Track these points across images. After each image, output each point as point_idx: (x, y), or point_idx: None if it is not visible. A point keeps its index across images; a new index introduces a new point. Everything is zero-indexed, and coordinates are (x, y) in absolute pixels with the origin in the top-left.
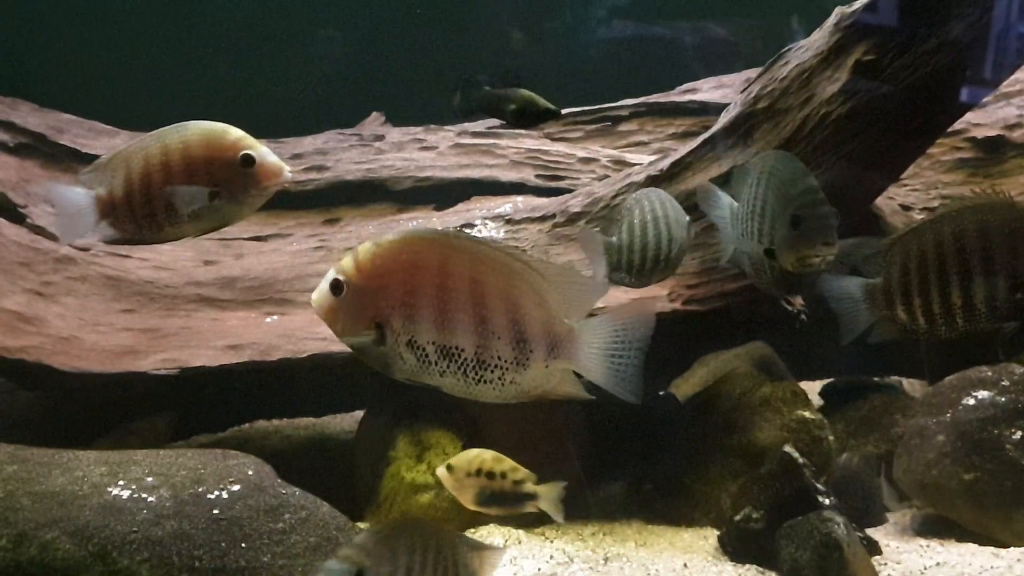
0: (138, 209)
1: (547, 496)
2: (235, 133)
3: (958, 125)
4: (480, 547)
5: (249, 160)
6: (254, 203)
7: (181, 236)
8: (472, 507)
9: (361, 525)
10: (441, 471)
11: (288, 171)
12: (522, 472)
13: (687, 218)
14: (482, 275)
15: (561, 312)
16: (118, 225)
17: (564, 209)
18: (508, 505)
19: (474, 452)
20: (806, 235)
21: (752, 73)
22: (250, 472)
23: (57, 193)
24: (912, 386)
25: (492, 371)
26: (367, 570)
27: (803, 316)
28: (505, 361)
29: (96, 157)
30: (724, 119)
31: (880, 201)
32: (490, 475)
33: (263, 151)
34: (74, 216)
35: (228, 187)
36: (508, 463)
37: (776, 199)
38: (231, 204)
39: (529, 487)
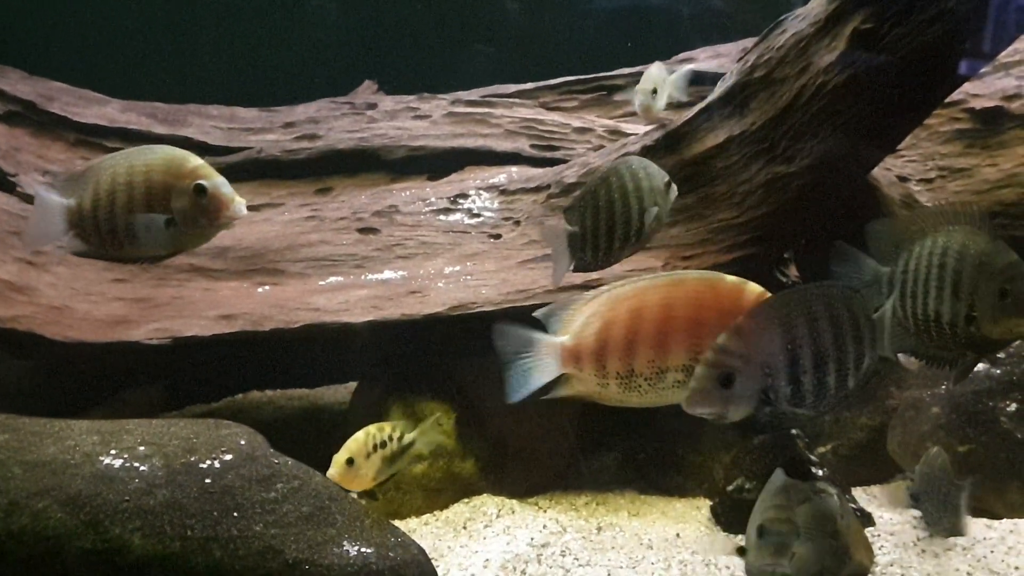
0: (101, 225)
1: (422, 438)
2: (194, 162)
3: (956, 96)
4: None
5: (202, 190)
6: (207, 232)
7: (139, 256)
8: (372, 484)
9: (354, 495)
10: (335, 471)
11: (241, 203)
12: (400, 426)
13: (664, 181)
14: None
15: None
16: (83, 237)
17: (559, 179)
18: (397, 463)
19: (358, 435)
20: (1014, 307)
21: (749, 42)
22: (242, 442)
23: (36, 195)
24: (907, 358)
25: None
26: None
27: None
28: None
29: (87, 125)
30: (720, 89)
31: (877, 172)
32: (383, 444)
33: (217, 182)
34: (46, 222)
35: (182, 215)
36: (386, 426)
37: (977, 270)
38: (184, 232)
39: (407, 437)
